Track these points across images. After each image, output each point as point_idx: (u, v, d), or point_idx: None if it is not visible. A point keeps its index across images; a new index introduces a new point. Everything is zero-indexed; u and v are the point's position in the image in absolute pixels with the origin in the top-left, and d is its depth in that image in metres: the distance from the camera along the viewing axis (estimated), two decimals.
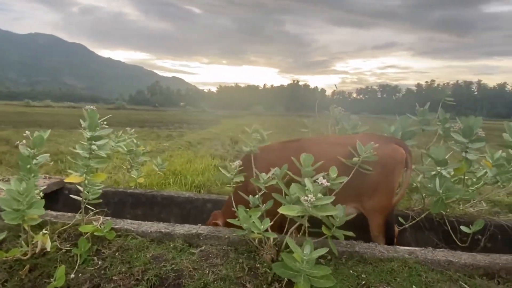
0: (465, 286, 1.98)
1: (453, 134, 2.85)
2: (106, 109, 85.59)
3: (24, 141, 2.32)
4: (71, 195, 2.70)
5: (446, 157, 2.75)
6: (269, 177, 2.36)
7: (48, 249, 2.27)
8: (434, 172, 2.72)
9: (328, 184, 1.82)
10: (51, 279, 2.23)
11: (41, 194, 2.14)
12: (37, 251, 2.31)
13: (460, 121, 2.86)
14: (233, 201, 2.61)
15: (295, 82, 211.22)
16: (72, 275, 2.16)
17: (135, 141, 4.02)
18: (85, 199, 2.56)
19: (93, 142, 2.32)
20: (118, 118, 33.16)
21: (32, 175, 2.30)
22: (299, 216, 2.07)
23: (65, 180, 2.45)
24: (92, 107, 2.31)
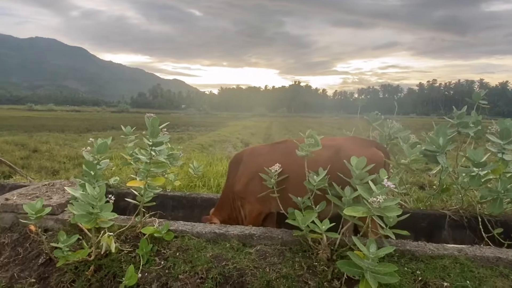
0: None
1: (489, 136, 2.96)
2: (110, 112, 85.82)
3: (88, 148, 2.45)
4: (126, 199, 2.82)
5: (484, 159, 2.85)
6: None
7: (113, 251, 2.39)
8: (473, 174, 2.82)
9: (393, 186, 1.93)
10: (117, 278, 2.35)
11: (113, 198, 2.26)
12: (102, 253, 2.43)
13: (496, 123, 2.97)
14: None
15: (297, 83, 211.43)
16: (139, 275, 2.28)
17: (169, 145, 4.14)
18: (140, 202, 2.68)
19: (154, 148, 2.44)
20: (124, 121, 33.52)
21: (96, 180, 2.43)
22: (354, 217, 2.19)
23: (127, 185, 2.56)
24: (152, 115, 2.43)
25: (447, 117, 3.27)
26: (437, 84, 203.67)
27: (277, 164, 2.65)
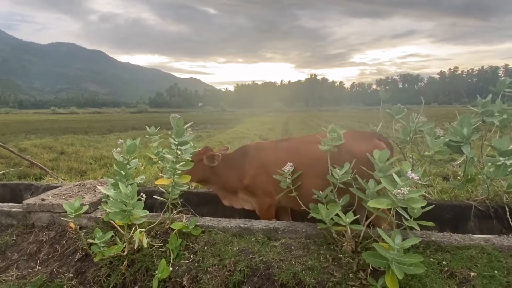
0: None
1: None
2: (130, 113, 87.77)
3: (119, 148, 2.57)
4: (154, 196, 2.94)
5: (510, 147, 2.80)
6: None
7: (145, 246, 2.51)
8: (499, 163, 2.78)
9: (418, 178, 1.94)
10: (149, 272, 2.47)
11: (144, 196, 2.37)
12: (134, 248, 2.56)
13: None
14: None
15: (313, 76, 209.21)
16: (171, 268, 2.38)
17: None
18: (167, 199, 2.79)
19: (179, 147, 2.54)
20: (143, 121, 34.32)
21: (126, 179, 2.55)
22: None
23: (156, 183, 2.68)
24: (177, 116, 2.52)
25: (471, 106, 3.22)
26: (459, 72, 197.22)
27: (289, 163, 2.70)
